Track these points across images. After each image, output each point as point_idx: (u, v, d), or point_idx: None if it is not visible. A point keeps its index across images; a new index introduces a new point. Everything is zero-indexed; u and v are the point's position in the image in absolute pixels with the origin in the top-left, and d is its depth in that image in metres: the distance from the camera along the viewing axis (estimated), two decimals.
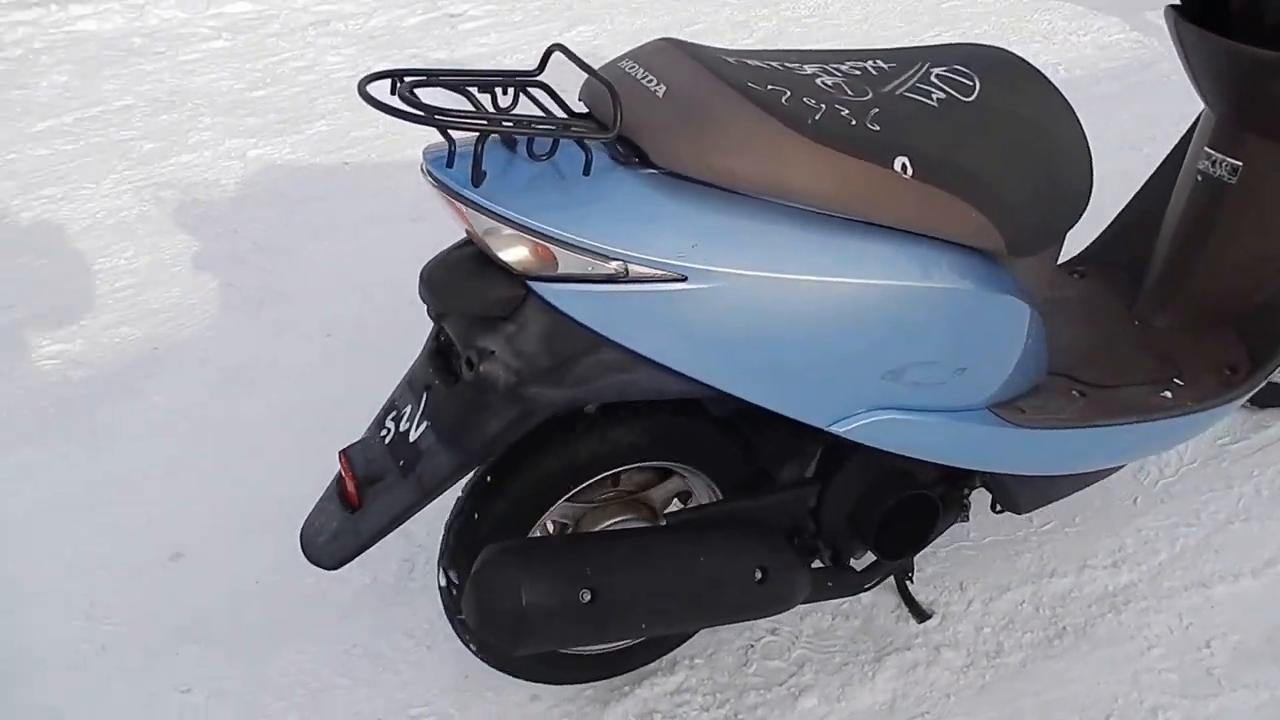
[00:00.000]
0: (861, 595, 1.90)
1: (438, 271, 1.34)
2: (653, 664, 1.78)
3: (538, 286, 1.26)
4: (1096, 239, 2.18)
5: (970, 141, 1.41)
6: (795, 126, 1.28)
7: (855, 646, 1.83)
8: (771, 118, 1.27)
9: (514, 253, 1.25)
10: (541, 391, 1.29)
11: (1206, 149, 1.93)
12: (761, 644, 1.83)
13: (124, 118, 3.46)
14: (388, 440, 1.41)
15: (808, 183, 1.29)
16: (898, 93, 1.40)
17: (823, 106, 1.31)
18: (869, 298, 1.35)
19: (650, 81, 1.31)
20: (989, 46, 1.57)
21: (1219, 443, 2.22)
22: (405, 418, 1.41)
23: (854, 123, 1.32)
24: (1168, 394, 1.82)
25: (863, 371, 1.39)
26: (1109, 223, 2.17)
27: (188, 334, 2.61)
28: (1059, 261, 2.17)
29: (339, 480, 1.45)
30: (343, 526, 1.39)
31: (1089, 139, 1.53)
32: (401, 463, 1.37)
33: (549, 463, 1.46)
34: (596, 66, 1.31)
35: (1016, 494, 1.72)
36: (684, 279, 1.25)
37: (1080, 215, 1.57)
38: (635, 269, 1.24)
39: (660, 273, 1.25)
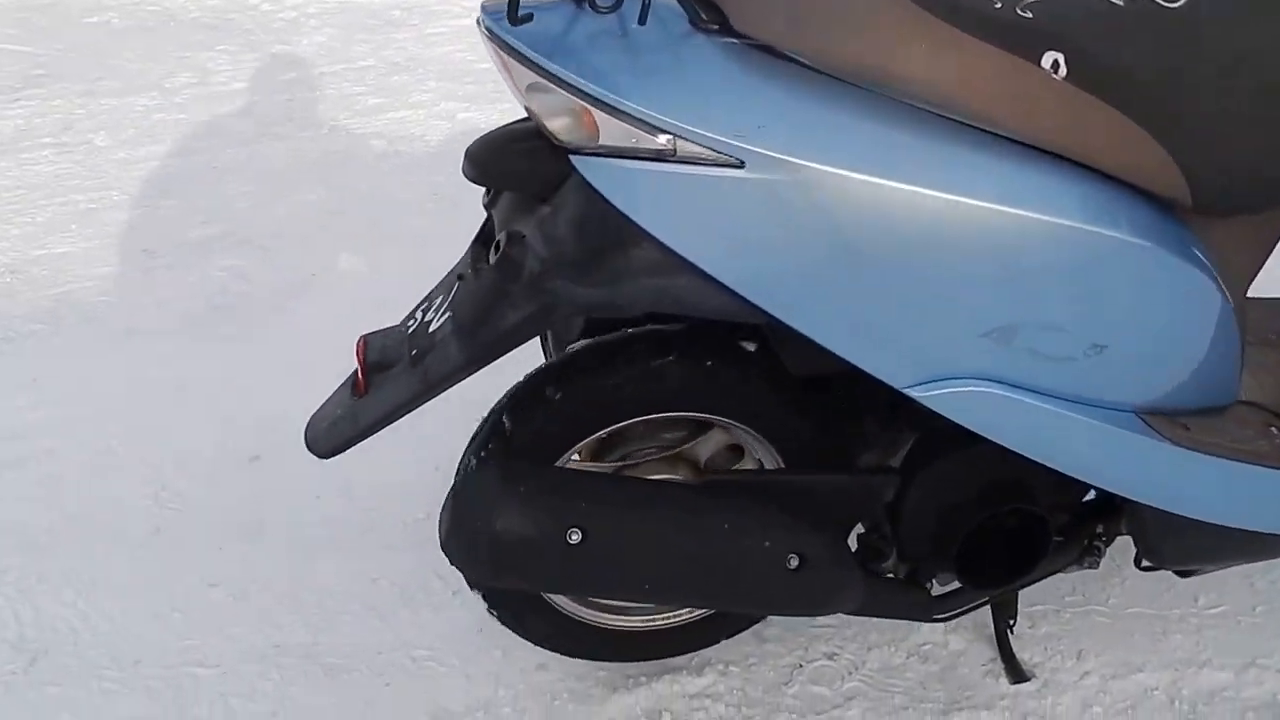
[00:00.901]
0: (949, 639, 1.59)
1: (482, 142, 1.20)
2: (681, 660, 1.56)
3: (577, 161, 1.09)
4: None
5: (1158, 49, 1.09)
6: None
7: (923, 693, 1.53)
8: None
9: (555, 118, 1.09)
10: (565, 286, 1.11)
11: None
12: (813, 666, 1.57)
13: (360, 75, 3.63)
14: (411, 330, 1.29)
15: (919, 69, 1.04)
16: None
17: None
18: (975, 223, 1.06)
19: None
20: None
21: None
22: (434, 308, 1.29)
23: (999, 5, 1.06)
24: None
25: (959, 322, 1.11)
26: None
27: (348, 266, 2.64)
28: None
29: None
30: (344, 414, 1.28)
31: None
32: (414, 352, 1.24)
33: (591, 388, 1.29)
34: None
35: (1160, 538, 1.35)
36: (740, 164, 1.04)
37: None
38: (685, 146, 1.04)
39: (713, 153, 1.04)
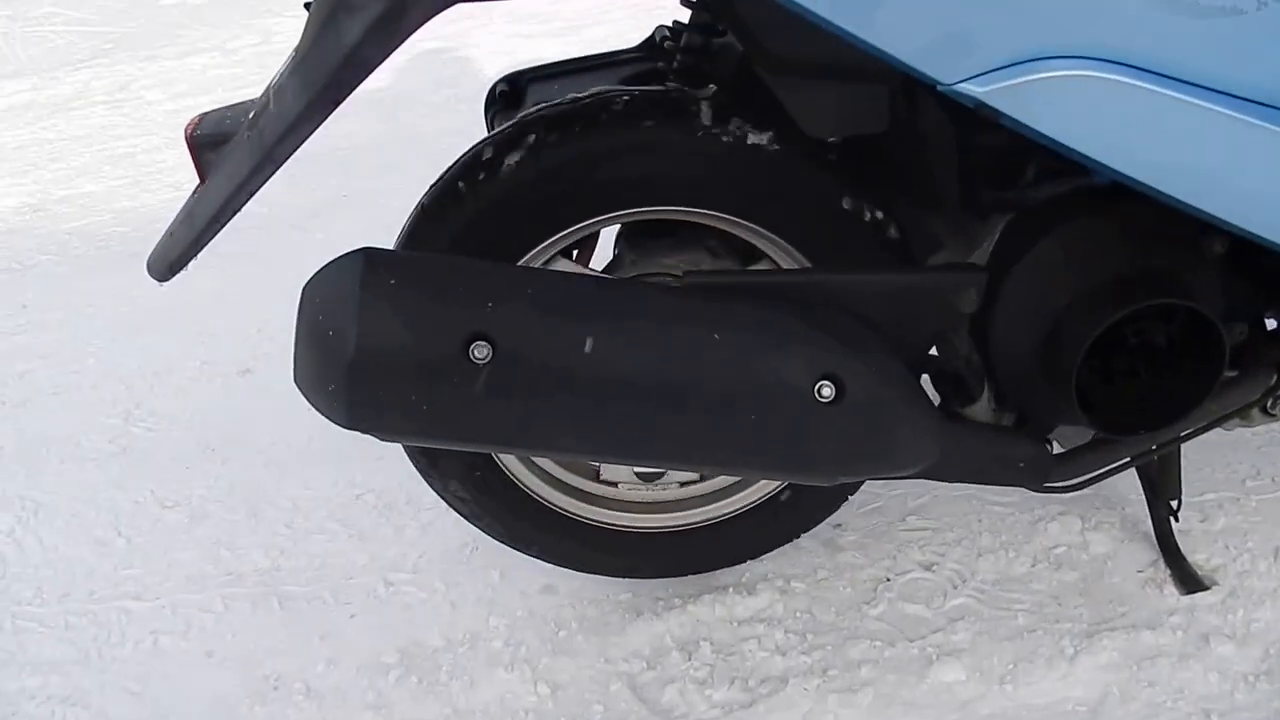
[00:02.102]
0: (1089, 538, 1.19)
1: None
2: (728, 576, 1.20)
3: None
4: None
5: None
6: None
7: (1057, 610, 1.12)
8: None
9: None
10: None
11: None
12: (904, 579, 1.18)
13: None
14: (267, 88, 0.97)
15: None
16: None
17: None
18: None
19: None
20: None
21: None
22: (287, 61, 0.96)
23: None
24: None
25: None
26: None
27: (376, 189, 2.36)
28: None
29: None
30: (183, 218, 0.97)
31: None
32: (252, 114, 0.91)
33: (524, 178, 0.95)
34: None
35: None
36: None
37: None
38: None
39: None
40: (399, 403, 0.82)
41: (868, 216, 0.95)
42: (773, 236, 0.96)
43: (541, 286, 0.86)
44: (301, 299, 0.85)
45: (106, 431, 1.60)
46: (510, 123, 0.98)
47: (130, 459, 1.54)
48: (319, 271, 0.86)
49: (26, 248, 2.30)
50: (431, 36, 3.29)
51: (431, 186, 0.99)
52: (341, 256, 0.85)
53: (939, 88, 0.74)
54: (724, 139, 0.93)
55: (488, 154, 0.96)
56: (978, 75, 0.74)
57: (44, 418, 1.65)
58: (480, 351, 0.81)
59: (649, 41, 1.20)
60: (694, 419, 0.85)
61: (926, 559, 1.19)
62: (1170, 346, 0.90)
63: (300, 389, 0.86)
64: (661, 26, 1.21)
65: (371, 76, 0.89)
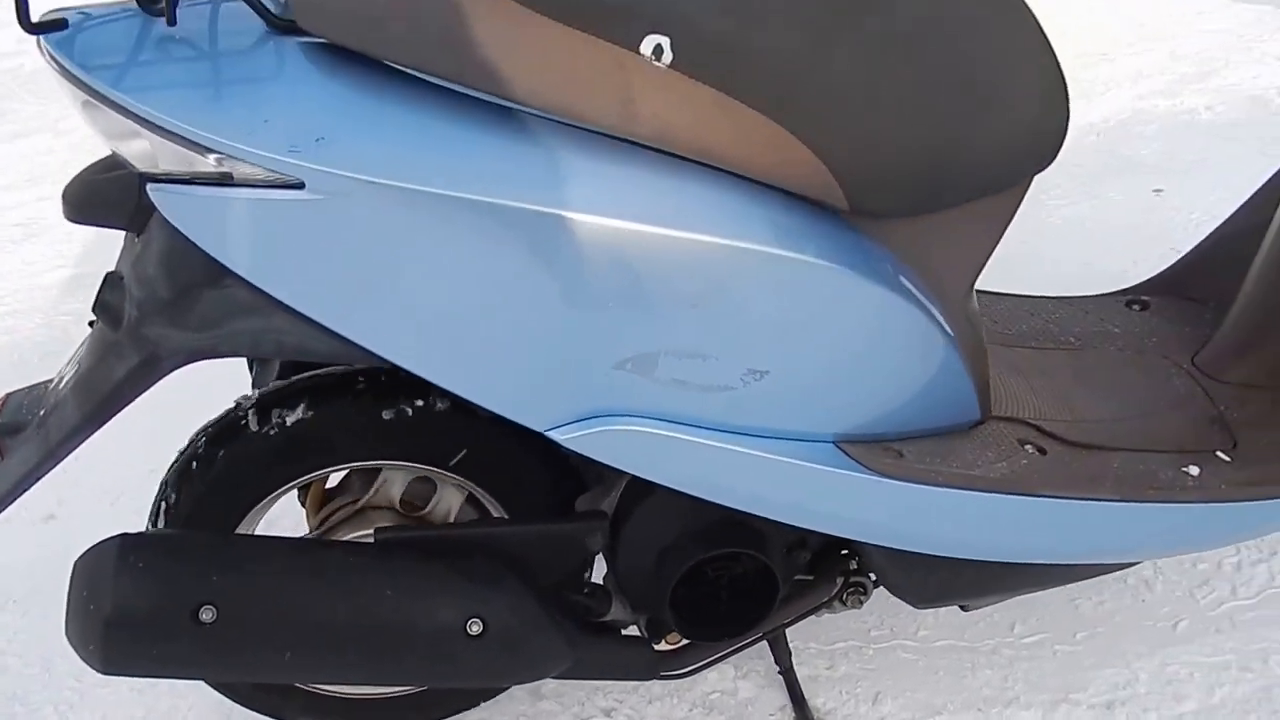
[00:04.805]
0: (739, 685, 1.47)
1: (79, 175, 1.09)
2: None
3: (151, 189, 0.97)
4: (1173, 265, 1.62)
5: (791, 26, 0.96)
6: None
7: None
8: None
9: (121, 141, 0.98)
10: (165, 333, 1.01)
11: None
12: None
13: None
14: (56, 384, 1.18)
15: (500, 63, 0.92)
16: None
17: None
18: (568, 237, 0.94)
19: None
20: None
21: None
22: (73, 360, 1.18)
23: None
24: (1193, 470, 1.26)
25: (584, 353, 1.00)
26: (1189, 249, 1.60)
27: None
28: (1120, 289, 1.65)
29: None
30: None
31: None
32: (42, 412, 1.14)
33: (244, 443, 1.17)
34: None
35: (895, 574, 1.22)
36: (300, 185, 0.92)
37: (1025, 171, 1.07)
38: (240, 168, 0.93)
39: (269, 173, 0.92)
40: (145, 654, 1.08)
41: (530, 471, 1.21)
42: (471, 485, 1.21)
43: (250, 555, 1.12)
44: (72, 573, 1.10)
45: None
46: (243, 399, 1.21)
47: None
48: (87, 552, 1.10)
49: None
50: None
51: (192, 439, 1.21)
52: (104, 540, 1.10)
53: (537, 431, 1.02)
54: (401, 410, 1.17)
55: (213, 433, 1.18)
56: (558, 427, 1.02)
57: None
58: (207, 614, 1.06)
59: None
60: (376, 653, 1.12)
61: (609, 705, 1.46)
62: (742, 576, 1.20)
63: (69, 642, 1.10)
64: None
65: None
